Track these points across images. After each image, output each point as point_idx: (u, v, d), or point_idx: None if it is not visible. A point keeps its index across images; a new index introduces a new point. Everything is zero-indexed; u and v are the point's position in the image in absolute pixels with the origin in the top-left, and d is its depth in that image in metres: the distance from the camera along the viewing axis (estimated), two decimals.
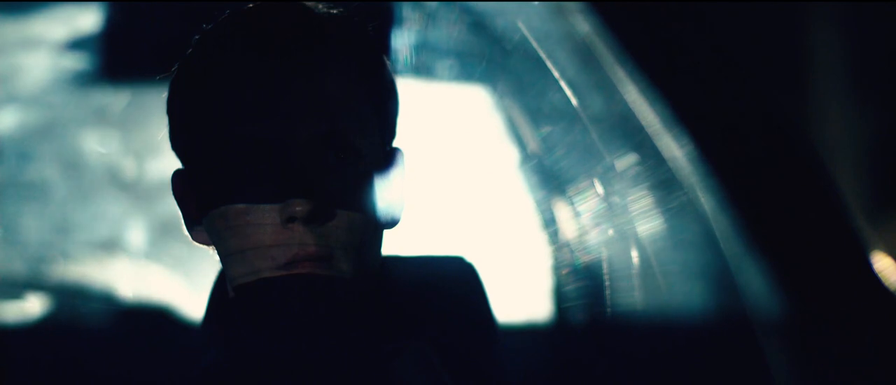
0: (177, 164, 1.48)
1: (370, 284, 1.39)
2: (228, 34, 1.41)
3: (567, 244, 2.34)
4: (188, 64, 1.44)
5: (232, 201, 1.36)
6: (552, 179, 2.34)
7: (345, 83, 1.38)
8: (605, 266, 2.08)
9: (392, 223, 1.44)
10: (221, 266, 1.41)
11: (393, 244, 1.47)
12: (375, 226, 1.40)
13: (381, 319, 1.43)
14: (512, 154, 2.43)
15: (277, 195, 1.34)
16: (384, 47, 1.47)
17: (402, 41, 1.48)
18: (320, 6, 1.44)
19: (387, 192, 1.43)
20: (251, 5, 1.43)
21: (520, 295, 2.66)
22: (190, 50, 1.44)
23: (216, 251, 1.42)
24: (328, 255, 1.35)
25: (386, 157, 1.43)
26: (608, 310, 2.08)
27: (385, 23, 1.47)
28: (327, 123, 1.36)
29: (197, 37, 1.44)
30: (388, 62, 1.45)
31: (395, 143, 1.47)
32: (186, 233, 1.45)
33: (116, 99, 3.14)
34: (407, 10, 1.90)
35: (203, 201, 1.40)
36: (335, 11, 1.44)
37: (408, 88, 1.48)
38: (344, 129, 1.37)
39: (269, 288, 1.35)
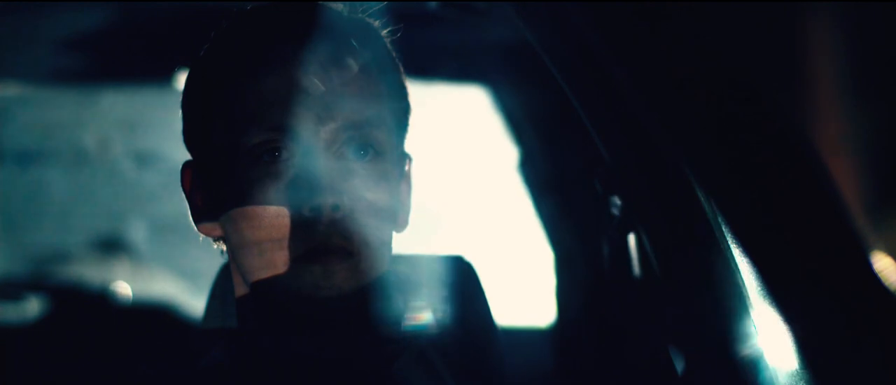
0: (181, 160, 1.47)
1: (383, 281, 1.40)
2: (248, 31, 1.41)
3: (567, 244, 2.34)
4: (207, 61, 1.44)
5: (252, 195, 1.36)
6: (552, 180, 2.34)
7: (365, 80, 1.39)
8: (604, 266, 2.08)
9: (402, 224, 1.44)
10: (236, 259, 1.41)
11: (394, 244, 1.47)
12: (391, 224, 1.41)
13: (383, 316, 1.43)
14: (512, 154, 2.44)
15: (299, 186, 1.35)
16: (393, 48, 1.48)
17: (404, 42, 1.48)
18: (337, 6, 1.45)
19: (400, 194, 1.43)
20: (268, 4, 1.44)
21: (519, 294, 2.66)
22: (208, 46, 1.45)
23: (229, 244, 1.42)
24: (348, 248, 1.35)
25: (400, 159, 1.44)
26: (608, 310, 2.07)
27: (388, 23, 1.48)
28: (349, 116, 1.36)
29: (215, 33, 1.45)
30: (400, 64, 1.46)
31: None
32: (193, 224, 1.45)
33: (117, 99, 3.14)
34: (407, 11, 1.91)
35: (219, 194, 1.40)
36: (350, 11, 1.44)
37: (411, 89, 1.48)
38: (365, 122, 1.37)
39: (286, 282, 1.35)
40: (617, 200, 1.54)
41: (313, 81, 1.36)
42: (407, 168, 1.46)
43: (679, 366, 1.43)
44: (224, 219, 1.40)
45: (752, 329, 1.33)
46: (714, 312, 1.38)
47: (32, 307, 3.02)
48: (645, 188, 1.45)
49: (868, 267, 1.28)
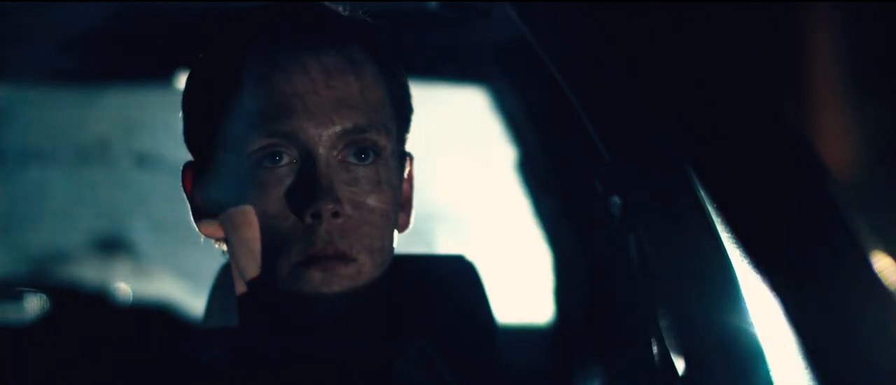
0: (181, 160, 1.48)
1: (385, 285, 1.39)
2: (249, 33, 1.41)
3: (566, 244, 2.34)
4: (208, 62, 1.44)
5: (252, 197, 1.36)
6: (552, 180, 2.34)
7: (366, 82, 1.39)
8: (603, 266, 2.08)
9: (404, 225, 1.44)
10: (237, 262, 1.41)
11: (395, 243, 1.47)
12: (393, 227, 1.40)
13: (384, 318, 1.43)
14: (512, 154, 2.44)
15: (300, 192, 1.35)
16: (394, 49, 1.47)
17: (404, 42, 1.48)
18: (339, 7, 1.44)
19: (402, 195, 1.43)
20: (270, 4, 1.43)
21: (520, 294, 2.66)
22: (209, 47, 1.44)
23: (230, 246, 1.42)
24: (349, 254, 1.35)
25: (401, 160, 1.44)
26: (607, 309, 2.07)
27: (389, 24, 1.48)
28: (350, 120, 1.36)
29: (216, 34, 1.44)
30: (401, 64, 1.46)
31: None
32: (194, 225, 1.45)
33: (117, 99, 3.14)
34: (407, 11, 1.90)
35: (219, 195, 1.40)
36: (350, 12, 1.44)
37: (411, 89, 1.48)
38: (367, 126, 1.37)
39: (287, 287, 1.35)
40: (617, 200, 1.54)
41: (314, 85, 1.36)
42: (408, 168, 1.45)
43: (679, 366, 1.43)
44: (225, 221, 1.40)
45: (752, 329, 1.33)
46: (714, 312, 1.38)
47: (32, 307, 3.02)
48: (645, 188, 1.45)
49: (868, 267, 1.28)
